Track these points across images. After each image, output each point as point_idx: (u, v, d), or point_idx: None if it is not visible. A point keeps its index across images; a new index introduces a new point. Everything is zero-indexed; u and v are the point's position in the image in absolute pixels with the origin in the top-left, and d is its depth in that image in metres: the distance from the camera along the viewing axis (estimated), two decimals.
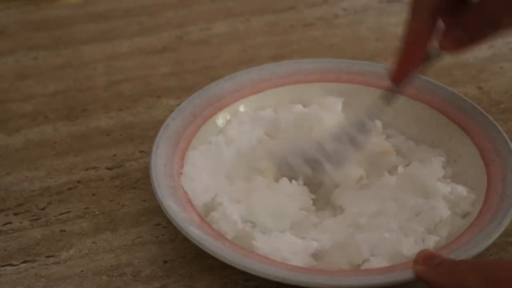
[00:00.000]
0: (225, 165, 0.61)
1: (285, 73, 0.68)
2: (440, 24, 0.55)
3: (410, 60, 0.56)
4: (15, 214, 0.61)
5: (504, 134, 0.60)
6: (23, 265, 0.56)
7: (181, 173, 0.58)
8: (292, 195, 0.57)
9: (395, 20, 0.86)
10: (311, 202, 0.58)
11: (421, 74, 0.57)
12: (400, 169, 0.60)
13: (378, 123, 0.64)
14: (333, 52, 0.81)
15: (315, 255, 0.54)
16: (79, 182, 0.64)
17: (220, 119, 0.64)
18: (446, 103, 0.64)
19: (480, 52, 0.79)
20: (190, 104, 0.64)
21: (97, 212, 0.61)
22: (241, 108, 0.66)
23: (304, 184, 0.58)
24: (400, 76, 0.57)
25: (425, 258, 0.48)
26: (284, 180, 0.58)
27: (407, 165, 0.61)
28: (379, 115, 0.60)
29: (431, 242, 0.54)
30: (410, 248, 0.53)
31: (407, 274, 0.49)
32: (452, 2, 0.54)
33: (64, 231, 0.59)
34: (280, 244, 0.54)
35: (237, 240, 0.54)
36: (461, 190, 0.57)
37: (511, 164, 0.57)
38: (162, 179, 0.56)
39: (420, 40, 0.55)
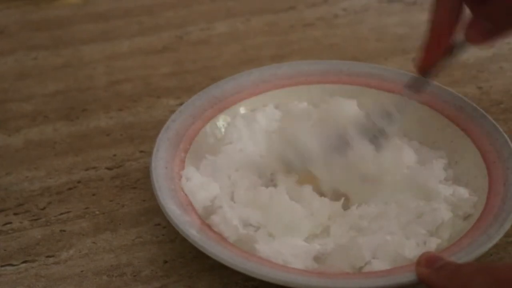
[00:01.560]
0: (226, 167, 0.61)
1: (286, 74, 0.68)
2: (467, 14, 0.53)
3: (435, 50, 0.55)
4: (15, 214, 0.61)
5: (506, 136, 0.60)
6: (23, 265, 0.56)
7: (181, 176, 0.58)
8: (311, 209, 0.57)
9: (395, 20, 0.86)
10: (329, 218, 0.57)
11: (447, 64, 0.56)
12: None
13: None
14: (333, 52, 0.81)
15: (317, 258, 0.54)
16: (79, 182, 0.64)
17: (221, 121, 0.64)
18: (447, 104, 0.64)
19: (480, 52, 0.79)
20: (190, 106, 0.64)
21: (97, 212, 0.61)
22: (242, 110, 0.65)
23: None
24: (425, 66, 0.56)
25: (428, 261, 0.48)
26: (307, 190, 0.58)
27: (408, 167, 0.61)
28: (406, 107, 0.58)
29: (432, 245, 0.54)
30: (412, 250, 0.53)
31: (409, 277, 0.49)
32: None
33: (64, 231, 0.59)
34: (282, 247, 0.54)
35: (239, 243, 0.53)
36: (463, 192, 0.57)
37: None
38: (162, 182, 0.56)
39: (445, 30, 0.54)
